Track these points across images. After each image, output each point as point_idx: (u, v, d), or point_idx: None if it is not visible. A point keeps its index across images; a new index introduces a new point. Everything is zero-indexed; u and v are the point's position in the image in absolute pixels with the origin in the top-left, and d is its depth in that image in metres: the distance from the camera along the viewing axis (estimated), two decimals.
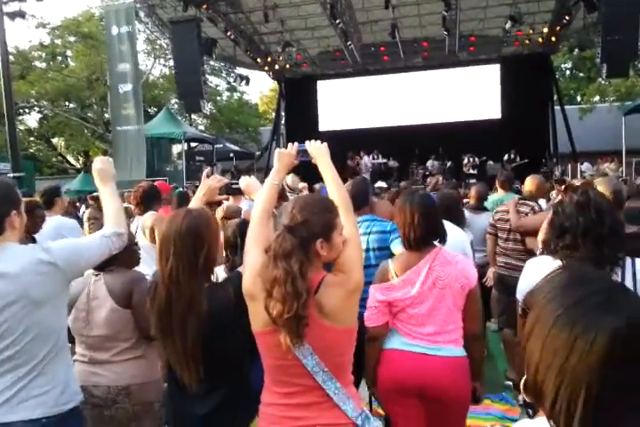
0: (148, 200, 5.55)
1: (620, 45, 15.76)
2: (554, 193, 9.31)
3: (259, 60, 23.26)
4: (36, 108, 35.02)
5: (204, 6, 19.09)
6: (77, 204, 14.46)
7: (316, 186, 7.79)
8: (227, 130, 35.59)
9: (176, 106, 31.44)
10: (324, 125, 24.57)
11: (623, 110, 20.39)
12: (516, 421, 4.05)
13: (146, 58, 32.46)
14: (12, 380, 2.36)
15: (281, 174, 2.58)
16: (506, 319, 5.67)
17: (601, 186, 4.25)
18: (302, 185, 7.23)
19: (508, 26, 19.64)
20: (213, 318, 2.46)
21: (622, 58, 16.17)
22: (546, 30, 21.02)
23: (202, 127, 36.00)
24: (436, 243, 3.17)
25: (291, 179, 7.28)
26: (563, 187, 6.82)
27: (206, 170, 3.60)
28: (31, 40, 48.24)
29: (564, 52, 25.14)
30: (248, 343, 2.34)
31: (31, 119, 42.90)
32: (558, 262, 2.59)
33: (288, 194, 6.86)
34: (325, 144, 2.63)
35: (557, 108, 22.66)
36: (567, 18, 19.11)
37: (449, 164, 20.40)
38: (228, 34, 20.68)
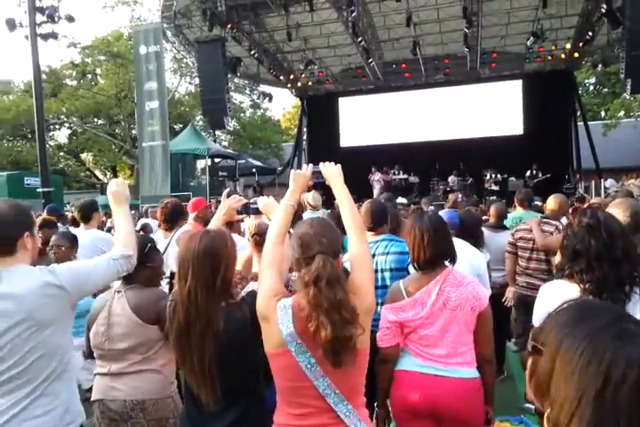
0: (174, 216, 5.67)
1: None
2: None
3: (282, 77, 23.48)
4: (67, 125, 35.66)
5: (229, 26, 19.38)
6: (104, 218, 14.54)
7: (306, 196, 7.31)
8: (250, 146, 35.98)
9: (201, 122, 31.81)
10: (345, 141, 24.78)
11: None
12: None
13: (172, 76, 33.07)
14: (16, 399, 2.36)
15: (296, 195, 2.62)
16: (525, 341, 5.60)
17: (618, 207, 4.19)
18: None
19: (530, 42, 19.63)
20: (230, 337, 2.48)
21: None
22: (569, 46, 20.97)
23: (225, 143, 36.39)
24: (447, 263, 3.15)
25: (312, 196, 7.17)
26: (571, 209, 6.69)
27: (226, 190, 3.62)
28: (62, 59, 49.21)
29: (588, 67, 25.06)
30: (263, 362, 2.37)
31: (61, 135, 43.73)
32: (575, 287, 2.57)
33: (309, 211, 6.80)
34: (339, 166, 2.66)
35: (581, 123, 22.53)
36: (590, 34, 19.05)
37: (470, 180, 20.35)
38: (252, 52, 20.95)
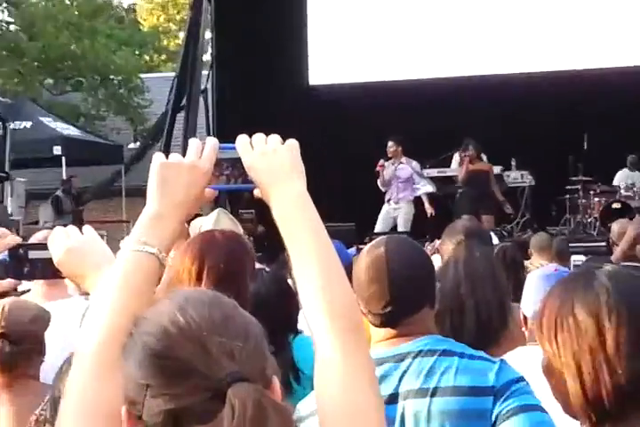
0: None
1: None
2: None
3: None
4: None
5: None
6: None
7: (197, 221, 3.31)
8: (49, 80, 19.00)
9: None
10: (317, 73, 13.12)
11: None
12: None
13: None
14: None
15: (167, 225, 1.14)
16: None
17: None
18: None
19: None
20: None
21: None
22: None
23: None
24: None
25: (214, 221, 3.32)
26: None
27: None
28: None
29: None
30: None
31: None
32: None
33: None
34: (292, 145, 1.17)
35: None
36: None
37: (529, 179, 11.39)
38: None
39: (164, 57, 23.71)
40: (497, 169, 11.21)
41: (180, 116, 13.26)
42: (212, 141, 1.19)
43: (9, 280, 1.41)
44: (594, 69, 12.19)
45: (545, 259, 5.38)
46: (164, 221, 1.14)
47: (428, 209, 10.66)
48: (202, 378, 0.83)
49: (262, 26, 12.84)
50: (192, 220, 3.04)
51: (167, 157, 1.18)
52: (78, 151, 14.25)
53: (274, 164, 1.15)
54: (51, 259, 1.31)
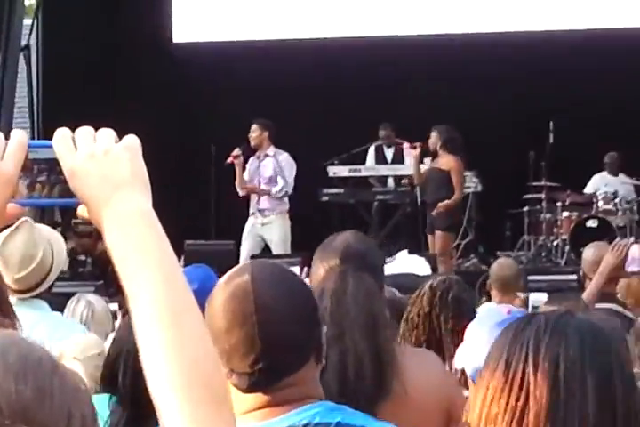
0: None
1: None
2: None
3: None
4: None
5: None
6: None
7: None
8: None
9: None
10: (181, 27, 10.32)
11: None
12: None
13: None
14: None
15: None
16: None
17: None
18: None
19: None
20: None
21: None
22: None
23: None
24: None
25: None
26: None
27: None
28: None
29: None
30: None
31: None
32: None
33: None
34: (133, 142, 0.91)
35: None
36: None
37: (474, 183, 8.62)
38: None
39: None
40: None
41: None
42: (19, 136, 0.94)
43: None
44: (568, 31, 9.07)
45: (511, 297, 4.76)
46: None
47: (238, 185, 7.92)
48: None
49: None
50: None
51: None
52: None
53: (105, 170, 0.90)
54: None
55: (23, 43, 9.97)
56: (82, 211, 0.91)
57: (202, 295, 1.25)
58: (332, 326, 1.92)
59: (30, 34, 10.09)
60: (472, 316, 2.89)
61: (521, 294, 4.92)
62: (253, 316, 1.41)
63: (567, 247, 8.04)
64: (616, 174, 8.33)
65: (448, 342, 2.85)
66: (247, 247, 7.90)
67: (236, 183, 7.85)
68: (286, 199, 7.97)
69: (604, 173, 8.44)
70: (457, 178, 7.40)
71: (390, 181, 8.78)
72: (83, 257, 9.33)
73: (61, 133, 0.91)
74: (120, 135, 0.90)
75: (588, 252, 4.85)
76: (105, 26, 9.90)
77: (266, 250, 8.08)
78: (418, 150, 7.65)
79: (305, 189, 8.44)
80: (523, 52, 8.64)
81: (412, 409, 1.99)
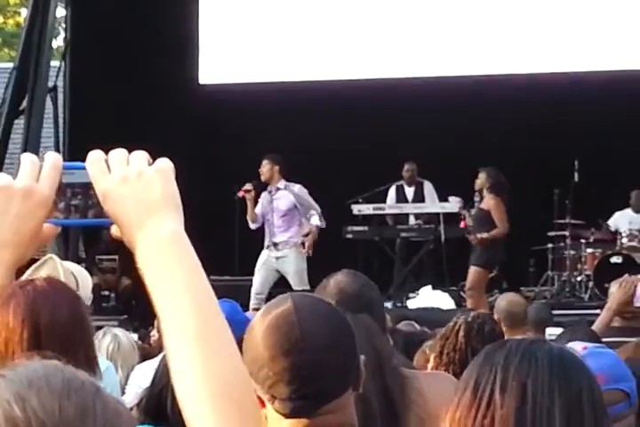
0: None
1: None
2: None
3: None
4: None
5: None
6: None
7: None
8: None
9: None
10: (208, 69, 10.39)
11: None
12: None
13: None
14: None
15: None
16: None
17: None
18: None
19: None
20: None
21: None
22: None
23: None
24: None
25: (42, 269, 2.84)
26: None
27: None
28: None
29: None
30: None
31: None
32: None
33: None
34: (166, 165, 0.91)
35: None
36: None
37: None
38: None
39: None
40: (455, 205, 8.35)
41: (19, 124, 10.11)
42: (54, 159, 0.94)
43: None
44: (593, 72, 9.20)
45: (519, 334, 4.56)
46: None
47: (307, 248, 7.85)
48: None
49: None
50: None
51: None
52: None
53: (138, 193, 0.90)
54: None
55: (50, 84, 10.22)
56: (115, 231, 0.92)
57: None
58: None
59: (57, 75, 10.29)
60: None
61: (529, 333, 4.86)
62: (298, 344, 1.41)
63: (591, 283, 8.04)
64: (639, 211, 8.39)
65: None
66: (260, 279, 7.89)
67: (248, 216, 7.93)
68: (300, 232, 7.95)
69: (628, 210, 8.47)
70: (497, 215, 7.47)
71: (412, 219, 8.87)
72: (106, 292, 9.39)
73: (95, 155, 0.91)
74: None
75: (615, 287, 4.70)
76: (132, 67, 10.01)
77: (282, 283, 8.02)
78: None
79: (329, 226, 8.50)
80: (549, 92, 8.79)
81: None
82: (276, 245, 7.84)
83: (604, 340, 3.70)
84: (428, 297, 7.92)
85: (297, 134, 9.30)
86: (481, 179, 7.56)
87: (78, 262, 6.96)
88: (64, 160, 0.94)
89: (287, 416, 1.43)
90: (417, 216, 8.79)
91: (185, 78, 10.05)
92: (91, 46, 10.29)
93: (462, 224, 7.84)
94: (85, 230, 10.03)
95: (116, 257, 9.03)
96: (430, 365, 2.89)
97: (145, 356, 4.14)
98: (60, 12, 10.67)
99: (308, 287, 7.48)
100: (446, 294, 8.02)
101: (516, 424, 1.00)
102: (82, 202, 0.94)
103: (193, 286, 0.88)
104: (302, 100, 9.31)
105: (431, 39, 9.60)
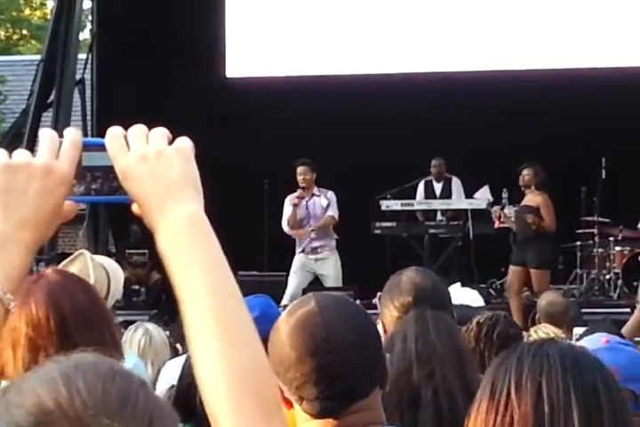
0: None
1: None
2: None
3: None
4: None
5: None
6: None
7: None
8: None
9: None
10: (234, 63, 10.27)
11: None
12: None
13: None
14: None
15: (12, 252, 0.89)
16: None
17: None
18: None
19: None
20: None
21: None
22: None
23: None
24: None
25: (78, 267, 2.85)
26: None
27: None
28: None
29: None
30: None
31: None
32: None
33: None
34: (186, 144, 0.89)
35: None
36: None
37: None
38: None
39: (25, 32, 18.47)
40: (482, 202, 8.31)
41: (47, 116, 10.11)
42: (73, 135, 0.90)
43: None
44: (622, 68, 9.12)
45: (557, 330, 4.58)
46: (7, 246, 0.87)
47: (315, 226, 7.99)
48: None
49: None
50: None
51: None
52: None
53: (157, 172, 0.86)
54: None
55: (78, 77, 10.21)
56: (136, 208, 0.89)
57: (263, 322, 1.37)
58: (421, 367, 1.95)
59: (85, 68, 10.25)
60: None
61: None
62: (324, 345, 1.40)
63: (620, 281, 8.01)
64: None
65: None
66: (296, 281, 7.95)
67: (289, 221, 7.90)
68: (335, 236, 8.10)
69: None
70: (547, 211, 7.46)
71: (439, 215, 8.89)
72: (137, 286, 9.39)
73: (114, 132, 0.88)
74: None
75: None
76: (158, 60, 9.96)
77: (315, 284, 8.09)
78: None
79: (358, 222, 8.53)
80: (576, 88, 8.66)
81: None
82: (315, 249, 7.93)
83: (636, 339, 3.73)
84: (458, 294, 7.94)
85: (324, 128, 9.26)
86: (528, 175, 7.51)
87: (108, 257, 7.00)
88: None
89: (316, 417, 1.43)
90: (443, 212, 8.83)
91: (211, 72, 9.92)
92: (117, 39, 10.22)
93: (497, 224, 7.84)
94: (114, 224, 10.10)
95: (146, 251, 9.00)
96: None
97: (175, 351, 4.12)
98: (87, 4, 10.50)
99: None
100: (475, 292, 8.02)
101: (534, 423, 1.00)
102: (101, 186, 0.91)
103: (212, 268, 0.86)
104: (329, 94, 9.22)
105: (463, 33, 9.47)
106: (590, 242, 8.27)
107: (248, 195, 9.14)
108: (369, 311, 1.61)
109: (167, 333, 5.30)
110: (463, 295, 9.33)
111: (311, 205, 7.93)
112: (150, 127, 0.93)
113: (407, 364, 1.98)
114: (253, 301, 2.72)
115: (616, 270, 8.11)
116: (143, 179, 0.86)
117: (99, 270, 2.99)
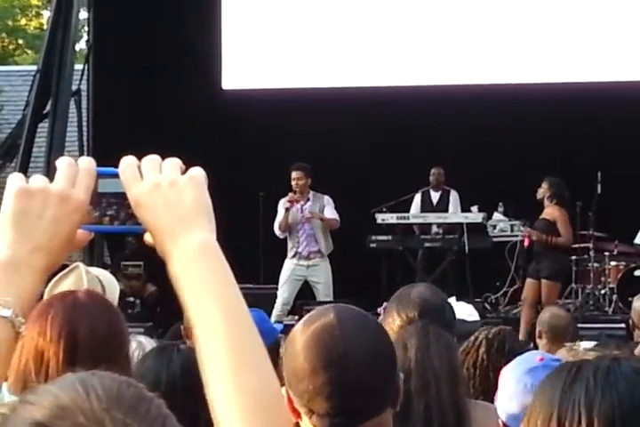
0: None
1: None
2: None
3: None
4: None
5: None
6: None
7: None
8: None
9: None
10: (231, 74, 10.27)
11: None
12: None
13: None
14: None
15: (24, 277, 0.89)
16: None
17: None
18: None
19: None
20: None
21: None
22: None
23: None
24: None
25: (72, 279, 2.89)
26: None
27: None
28: None
29: None
30: None
31: None
32: None
33: None
34: (199, 174, 0.92)
35: None
36: None
37: (522, 232, 8.32)
38: None
39: (21, 42, 18.29)
40: (478, 216, 8.29)
41: (43, 127, 9.99)
42: (88, 164, 0.90)
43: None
44: (616, 82, 9.13)
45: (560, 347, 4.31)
46: (20, 271, 0.87)
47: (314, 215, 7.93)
48: None
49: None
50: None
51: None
52: None
53: (170, 201, 0.88)
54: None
55: (74, 88, 10.09)
56: (148, 237, 0.90)
57: None
58: (417, 378, 1.92)
59: (81, 79, 10.19)
60: None
61: (569, 344, 4.94)
62: (341, 359, 1.34)
63: (615, 296, 7.95)
64: None
65: None
66: (288, 290, 7.88)
67: (280, 226, 7.87)
68: (330, 243, 8.01)
69: None
70: (564, 226, 7.43)
71: (434, 228, 8.86)
72: (131, 299, 9.29)
73: (128, 161, 0.89)
74: None
75: (638, 302, 4.69)
76: (154, 71, 9.92)
77: (306, 293, 8.04)
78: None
79: (353, 235, 8.51)
80: (573, 101, 8.65)
81: None
82: (307, 254, 7.86)
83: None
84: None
85: (320, 140, 9.26)
86: (543, 188, 7.47)
87: (103, 268, 6.96)
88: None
89: None
90: (438, 224, 8.81)
91: (207, 83, 9.90)
92: (113, 50, 10.17)
93: (526, 242, 7.72)
94: (109, 236, 10.06)
95: (141, 263, 8.97)
96: None
97: None
98: (83, 14, 10.50)
99: (331, 299, 7.53)
100: (470, 306, 7.99)
101: None
102: (116, 212, 0.91)
103: (224, 294, 0.87)
104: (325, 107, 9.20)
105: (459, 47, 9.45)
106: (585, 256, 8.21)
107: (243, 207, 9.12)
108: None
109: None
110: (458, 309, 9.32)
111: (306, 210, 7.88)
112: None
113: (404, 373, 1.94)
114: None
115: (611, 285, 8.08)
116: (156, 207, 0.87)
117: (94, 283, 2.99)
